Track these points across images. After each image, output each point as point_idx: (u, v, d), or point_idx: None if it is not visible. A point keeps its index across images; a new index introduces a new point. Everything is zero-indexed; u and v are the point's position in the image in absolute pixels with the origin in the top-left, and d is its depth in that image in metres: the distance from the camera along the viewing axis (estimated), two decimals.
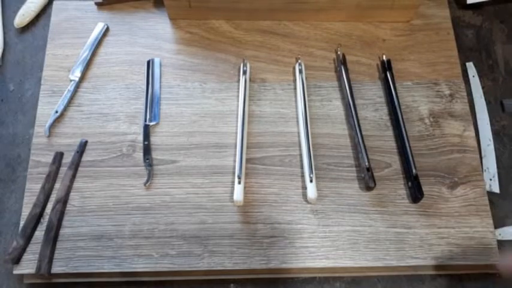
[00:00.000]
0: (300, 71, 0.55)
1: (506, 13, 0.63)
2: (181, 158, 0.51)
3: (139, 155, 0.51)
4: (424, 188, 0.49)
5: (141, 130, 0.52)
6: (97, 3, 0.59)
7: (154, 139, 0.52)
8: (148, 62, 0.56)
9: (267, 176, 0.50)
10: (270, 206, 0.49)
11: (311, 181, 0.48)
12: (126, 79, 0.55)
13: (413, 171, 0.49)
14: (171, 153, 0.51)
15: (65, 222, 0.48)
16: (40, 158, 0.50)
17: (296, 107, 0.54)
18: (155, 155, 0.51)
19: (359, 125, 0.51)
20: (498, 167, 0.53)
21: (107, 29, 0.58)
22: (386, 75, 0.55)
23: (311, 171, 0.48)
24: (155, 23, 0.59)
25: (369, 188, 0.49)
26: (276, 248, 0.47)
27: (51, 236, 0.46)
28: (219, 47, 0.57)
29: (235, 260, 0.46)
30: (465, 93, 0.55)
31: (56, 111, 0.52)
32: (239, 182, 0.47)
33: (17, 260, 0.45)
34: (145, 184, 0.49)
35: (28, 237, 0.46)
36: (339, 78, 0.56)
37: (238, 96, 0.54)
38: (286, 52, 0.58)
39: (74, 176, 0.50)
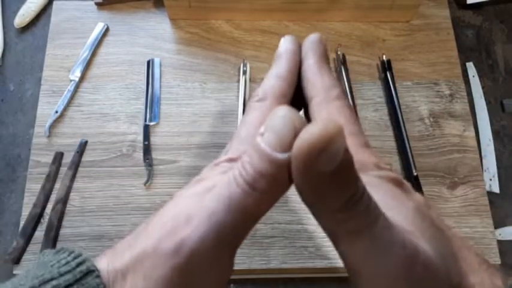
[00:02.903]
0: None
1: (506, 13, 0.63)
2: (181, 158, 0.51)
3: (139, 155, 0.51)
4: (424, 188, 0.49)
5: (141, 130, 0.52)
6: (97, 3, 0.59)
7: (154, 139, 0.52)
8: (148, 62, 0.56)
9: None
10: None
11: None
12: (126, 79, 0.55)
13: (414, 171, 0.49)
14: (171, 153, 0.51)
15: (65, 223, 0.48)
16: (40, 158, 0.50)
17: None
18: (155, 155, 0.51)
19: None
20: (498, 167, 0.53)
21: (107, 29, 0.58)
22: (386, 75, 0.55)
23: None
24: (155, 23, 0.59)
25: None
26: (276, 248, 0.47)
27: (51, 236, 0.46)
28: (219, 47, 0.57)
29: (235, 260, 0.46)
30: (465, 93, 0.55)
31: (56, 111, 0.52)
32: None
33: (17, 260, 0.46)
34: (145, 184, 0.49)
35: (28, 237, 0.47)
36: (339, 78, 0.56)
37: (238, 96, 0.54)
38: None
39: (74, 176, 0.50)
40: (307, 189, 0.16)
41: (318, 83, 0.23)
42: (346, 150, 0.15)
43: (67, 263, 0.18)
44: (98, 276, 0.17)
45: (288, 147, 0.15)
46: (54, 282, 0.17)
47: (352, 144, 0.21)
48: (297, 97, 0.24)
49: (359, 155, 0.20)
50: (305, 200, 0.17)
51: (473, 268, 0.19)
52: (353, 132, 0.22)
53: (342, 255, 0.18)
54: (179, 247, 0.17)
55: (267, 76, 0.23)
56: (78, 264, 0.18)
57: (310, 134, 0.14)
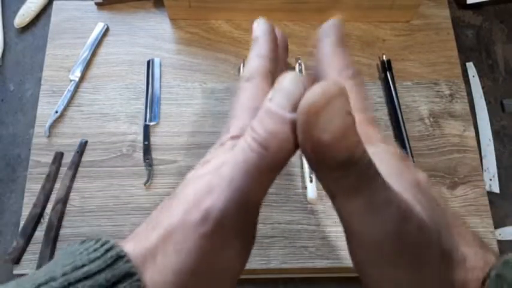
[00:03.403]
0: (300, 71, 0.55)
1: (506, 13, 0.63)
2: (181, 158, 0.51)
3: (139, 155, 0.51)
4: None
5: (141, 130, 0.52)
6: (97, 3, 0.59)
7: (154, 139, 0.52)
8: (148, 62, 0.56)
9: None
10: (270, 206, 0.49)
11: (311, 181, 0.48)
12: (126, 79, 0.55)
13: None
14: (171, 153, 0.51)
15: (65, 222, 0.48)
16: (40, 158, 0.50)
17: None
18: (155, 155, 0.51)
19: None
20: (498, 167, 0.53)
21: (107, 29, 0.58)
22: (386, 75, 0.55)
23: (311, 171, 0.48)
24: (155, 23, 0.59)
25: None
26: (276, 248, 0.47)
27: (51, 236, 0.46)
28: (219, 47, 0.57)
29: None
30: (465, 93, 0.55)
31: (56, 111, 0.52)
32: None
33: (17, 260, 0.46)
34: (145, 184, 0.49)
35: (28, 237, 0.47)
36: None
37: None
38: None
39: (74, 176, 0.50)
40: (309, 147, 0.16)
41: (330, 64, 0.24)
42: (349, 113, 0.15)
43: (95, 250, 0.18)
44: (129, 260, 0.18)
45: (297, 106, 0.16)
46: (85, 269, 0.17)
47: (362, 119, 0.21)
48: None
49: (367, 128, 0.21)
50: (307, 157, 0.17)
51: (467, 241, 0.19)
52: (362, 108, 0.22)
53: (339, 212, 0.19)
54: (206, 216, 0.17)
55: (248, 59, 0.24)
56: (107, 251, 0.18)
57: (311, 93, 0.15)
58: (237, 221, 0.18)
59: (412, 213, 0.17)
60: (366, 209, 0.17)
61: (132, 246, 0.19)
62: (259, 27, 0.25)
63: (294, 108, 0.16)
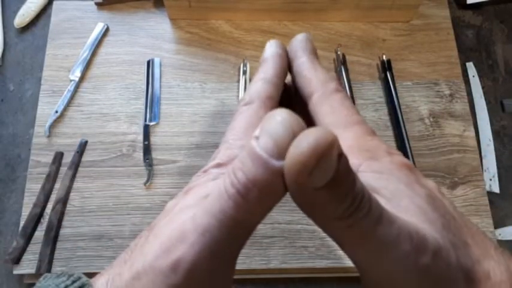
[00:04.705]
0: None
1: (506, 13, 0.63)
2: (181, 158, 0.51)
3: (139, 155, 0.51)
4: None
5: (141, 130, 0.52)
6: (97, 3, 0.59)
7: (154, 139, 0.52)
8: (148, 62, 0.56)
9: None
10: None
11: None
12: (126, 79, 0.55)
13: None
14: (171, 153, 0.51)
15: (65, 222, 0.48)
16: (40, 158, 0.50)
17: None
18: (155, 155, 0.51)
19: None
20: (498, 167, 0.53)
21: (107, 29, 0.58)
22: (386, 75, 0.55)
23: None
24: (155, 23, 0.59)
25: None
26: (276, 248, 0.47)
27: (51, 236, 0.46)
28: (219, 47, 0.57)
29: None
30: (465, 93, 0.55)
31: (56, 111, 0.52)
32: None
33: (17, 260, 0.46)
34: (145, 184, 0.49)
35: (28, 237, 0.47)
36: (339, 78, 0.56)
37: (238, 96, 0.54)
38: None
39: (74, 176, 0.50)
40: (304, 202, 0.15)
41: (314, 79, 0.23)
42: (340, 155, 0.14)
43: (66, 287, 0.17)
44: None
45: (284, 153, 0.14)
46: None
47: (361, 133, 0.20)
48: (285, 100, 0.24)
49: (369, 143, 0.20)
50: (304, 211, 0.16)
51: (487, 252, 0.18)
52: (358, 121, 0.21)
53: (350, 257, 0.18)
54: (175, 267, 0.16)
55: (252, 81, 0.23)
56: None
57: (300, 148, 0.13)
58: (209, 274, 0.17)
59: (426, 242, 0.16)
60: (378, 251, 0.16)
61: (105, 283, 0.18)
62: (270, 48, 0.24)
63: (282, 154, 0.14)
